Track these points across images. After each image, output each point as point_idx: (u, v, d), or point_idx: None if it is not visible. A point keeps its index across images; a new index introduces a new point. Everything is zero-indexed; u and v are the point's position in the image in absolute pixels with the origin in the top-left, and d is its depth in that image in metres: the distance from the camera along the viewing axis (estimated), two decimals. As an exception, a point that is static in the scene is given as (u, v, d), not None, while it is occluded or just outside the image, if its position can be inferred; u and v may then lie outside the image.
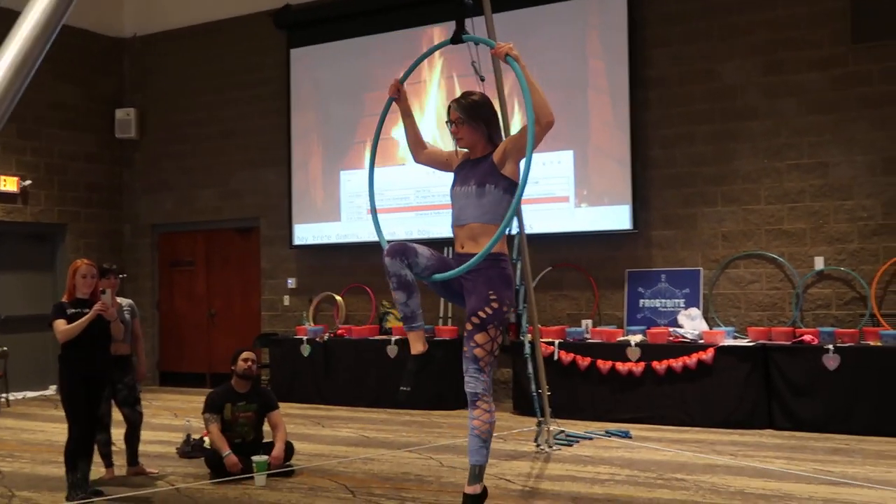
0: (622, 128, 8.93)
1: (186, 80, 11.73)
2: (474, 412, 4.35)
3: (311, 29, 10.71)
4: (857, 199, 8.10)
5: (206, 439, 7.02)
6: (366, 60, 10.31)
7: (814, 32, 8.31)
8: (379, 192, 9.96)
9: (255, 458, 5.90)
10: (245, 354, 6.40)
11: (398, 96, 4.72)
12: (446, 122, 4.58)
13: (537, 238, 8.99)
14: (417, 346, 4.36)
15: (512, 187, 4.36)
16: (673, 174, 8.84)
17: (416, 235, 9.74)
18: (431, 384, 8.83)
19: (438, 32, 9.88)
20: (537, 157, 9.37)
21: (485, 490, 4.45)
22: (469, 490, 4.40)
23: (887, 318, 7.80)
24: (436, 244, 9.36)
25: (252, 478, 5.86)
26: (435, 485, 5.79)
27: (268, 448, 6.17)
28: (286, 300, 10.85)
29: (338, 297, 10.35)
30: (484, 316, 4.28)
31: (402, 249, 4.27)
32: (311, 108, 10.65)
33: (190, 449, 6.91)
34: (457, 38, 4.68)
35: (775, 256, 8.35)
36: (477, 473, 4.40)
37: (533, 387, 6.89)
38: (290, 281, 10.83)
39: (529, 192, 9.19)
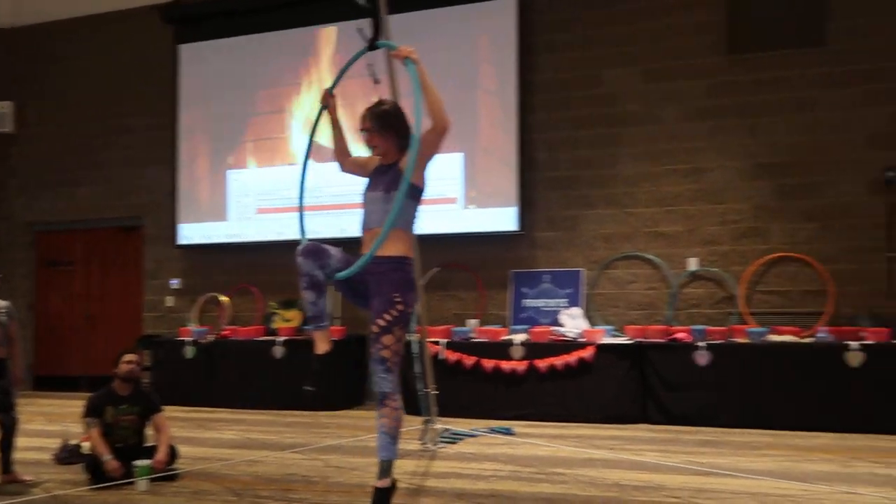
0: (510, 130, 9.13)
1: (68, 73, 11.37)
2: (383, 410, 4.55)
3: (200, 25, 10.54)
4: (728, 203, 8.50)
5: (84, 444, 6.85)
6: (256, 58, 10.22)
7: (691, 43, 8.68)
8: (267, 192, 10.08)
9: (137, 462, 5.78)
10: (127, 356, 6.26)
11: (329, 105, 4.84)
12: (360, 130, 4.69)
13: (426, 239, 9.01)
14: (322, 346, 4.51)
15: (418, 194, 4.52)
16: (557, 177, 9.09)
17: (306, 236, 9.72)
18: (318, 384, 8.85)
19: (329, 32, 9.89)
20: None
21: (394, 483, 4.65)
22: (379, 484, 4.58)
23: (754, 316, 8.23)
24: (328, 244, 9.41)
25: (133, 483, 5.75)
26: (321, 485, 5.80)
27: (150, 452, 6.06)
28: (169, 301, 10.65)
29: (223, 298, 10.22)
30: (390, 319, 4.41)
31: (316, 250, 4.39)
32: (199, 106, 10.48)
33: (67, 455, 6.71)
34: (373, 45, 4.89)
35: (652, 258, 8.70)
36: (386, 468, 4.59)
37: (420, 386, 6.97)
38: (173, 281, 10.62)
39: (418, 193, 9.35)
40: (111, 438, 6.01)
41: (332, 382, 8.82)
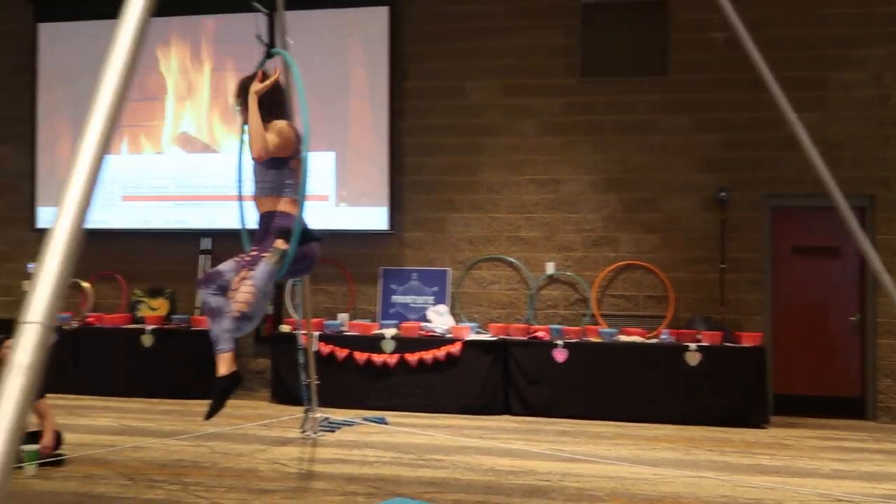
0: (381, 134, 9.53)
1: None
2: None
3: (62, 5, 10.28)
4: (582, 213, 9.26)
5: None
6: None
7: (549, 63, 9.37)
8: (134, 181, 10.01)
9: (24, 447, 5.81)
10: (8, 342, 6.25)
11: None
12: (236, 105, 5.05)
13: (297, 234, 9.36)
14: (220, 369, 4.64)
15: (277, 163, 4.80)
16: (425, 181, 9.57)
17: (173, 225, 9.76)
18: (186, 373, 9.00)
19: (197, 23, 9.93)
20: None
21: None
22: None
23: (604, 317, 9.02)
24: (192, 235, 9.53)
25: (20, 468, 5.78)
26: (213, 469, 6.03)
27: (33, 437, 6.08)
28: (26, 285, 10.35)
29: (85, 284, 10.05)
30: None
31: (208, 277, 4.58)
32: (61, 88, 10.22)
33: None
34: (269, 52, 5.22)
35: (513, 260, 9.34)
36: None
37: (302, 376, 7.27)
38: (30, 265, 10.33)
39: (291, 189, 9.59)
40: (-6, 425, 5.98)
41: (203, 372, 8.99)
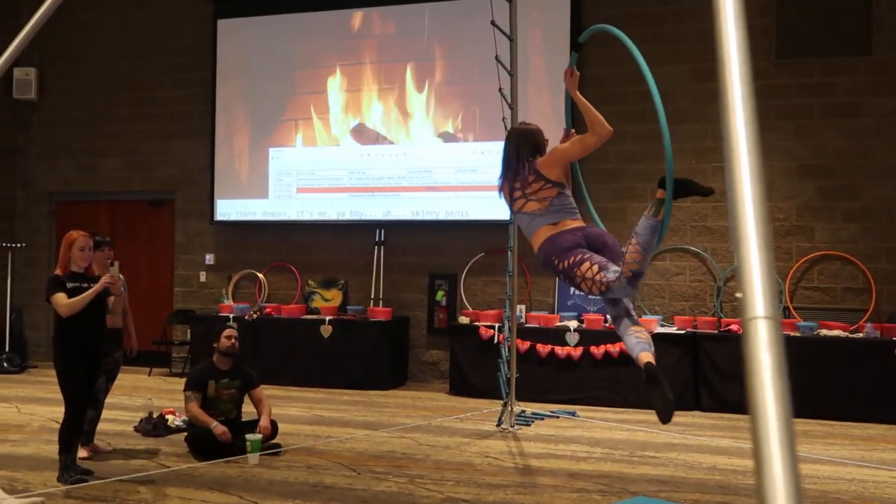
0: (559, 122, 9.25)
1: (93, 42, 11.16)
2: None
3: (241, 1, 10.46)
4: (774, 201, 8.83)
5: (169, 417, 6.89)
6: (297, 38, 10.20)
7: (739, 45, 8.96)
8: (310, 172, 10.09)
9: (250, 436, 5.87)
10: (228, 332, 6.35)
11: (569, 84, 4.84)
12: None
13: (472, 224, 9.32)
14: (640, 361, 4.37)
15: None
16: (605, 169, 9.32)
17: (348, 216, 9.79)
18: (363, 364, 9.05)
19: (370, 15, 9.94)
20: (476, 147, 9.67)
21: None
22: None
23: (798, 311, 8.60)
24: (365, 226, 9.54)
25: (243, 457, 5.83)
26: (428, 462, 5.96)
27: (249, 426, 6.15)
28: (203, 276, 10.59)
29: (260, 275, 10.21)
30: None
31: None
32: (238, 82, 10.40)
33: (151, 427, 6.75)
34: (578, 45, 5.02)
35: (699, 251, 9.01)
36: None
37: (504, 369, 7.16)
38: (208, 257, 10.57)
39: (467, 179, 9.52)
40: (213, 412, 6.08)
41: (377, 363, 9.05)
